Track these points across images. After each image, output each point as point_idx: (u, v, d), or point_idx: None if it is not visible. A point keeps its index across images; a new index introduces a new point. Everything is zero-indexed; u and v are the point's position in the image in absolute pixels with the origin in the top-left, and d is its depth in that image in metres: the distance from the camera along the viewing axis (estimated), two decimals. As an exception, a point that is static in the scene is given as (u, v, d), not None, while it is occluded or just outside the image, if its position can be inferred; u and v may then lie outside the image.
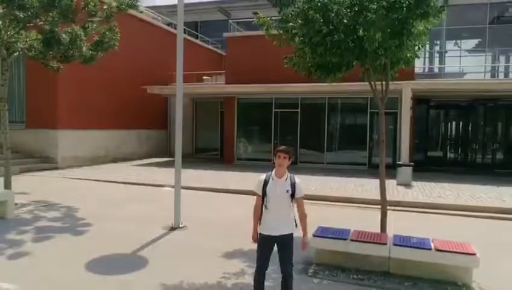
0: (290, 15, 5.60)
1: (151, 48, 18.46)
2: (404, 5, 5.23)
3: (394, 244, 4.80)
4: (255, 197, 3.99)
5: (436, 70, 25.96)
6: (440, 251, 4.62)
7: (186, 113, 20.50)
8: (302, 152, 16.52)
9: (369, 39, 5.15)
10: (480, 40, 25.71)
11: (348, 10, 5.19)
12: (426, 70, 26.82)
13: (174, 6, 29.11)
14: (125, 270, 4.90)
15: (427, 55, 27.61)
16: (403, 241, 4.85)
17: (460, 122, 18.34)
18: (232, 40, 17.33)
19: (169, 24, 23.12)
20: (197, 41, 24.74)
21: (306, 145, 16.59)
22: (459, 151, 17.89)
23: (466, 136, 17.74)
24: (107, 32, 8.41)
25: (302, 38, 5.58)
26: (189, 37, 22.38)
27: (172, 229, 6.76)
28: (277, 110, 16.72)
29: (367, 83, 6.16)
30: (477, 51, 25.99)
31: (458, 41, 27.15)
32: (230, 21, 24.46)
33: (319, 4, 5.10)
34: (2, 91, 7.98)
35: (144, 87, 16.54)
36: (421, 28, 5.61)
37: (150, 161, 17.13)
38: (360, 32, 5.24)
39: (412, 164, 11.67)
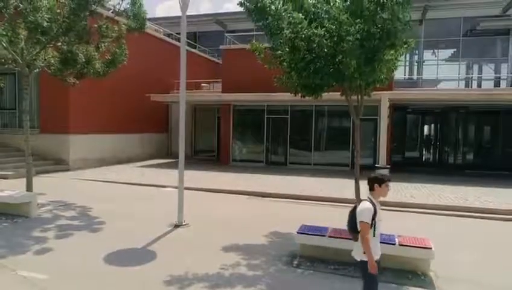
0: (278, 43, 6.14)
1: (154, 58, 18.89)
2: (376, 37, 5.80)
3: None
4: (363, 226, 3.62)
5: (414, 78, 26.55)
6: (403, 245, 5.21)
7: (186, 118, 20.88)
8: (292, 153, 17.11)
9: (346, 65, 5.72)
10: (455, 50, 26.48)
11: (328, 41, 5.73)
12: (406, 77, 27.53)
13: (173, 18, 29.54)
14: (138, 263, 5.42)
15: (407, 64, 28.37)
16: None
17: (435, 127, 19.03)
18: (227, 52, 17.85)
19: (169, 35, 23.57)
20: (196, 51, 25.17)
21: (295, 147, 17.18)
22: (434, 153, 18.58)
23: (440, 139, 18.44)
24: (117, 50, 8.89)
25: (289, 63, 6.14)
26: (188, 48, 22.81)
27: (176, 226, 7.28)
28: (269, 116, 17.29)
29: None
30: (453, 61, 26.72)
31: (436, 50, 27.93)
32: (226, 34, 24.90)
33: (303, 36, 5.64)
34: (24, 104, 8.42)
35: (147, 95, 16.99)
36: (391, 56, 6.19)
37: (152, 163, 17.59)
38: (339, 59, 5.80)
39: (389, 166, 12.29)
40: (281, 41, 6.09)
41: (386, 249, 5.21)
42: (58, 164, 14.18)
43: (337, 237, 5.46)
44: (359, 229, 3.63)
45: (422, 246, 5.15)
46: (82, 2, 7.05)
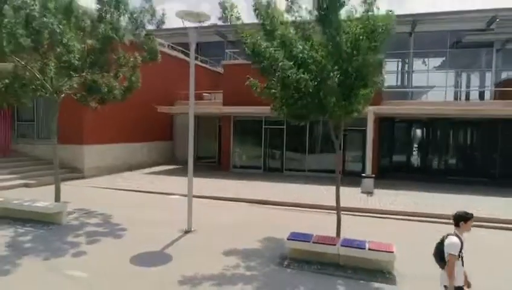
0: (272, 83, 7.34)
1: (160, 72, 20.01)
2: (352, 77, 6.99)
3: (341, 245, 6.56)
4: (451, 258, 4.23)
5: (404, 88, 27.81)
6: (372, 250, 6.40)
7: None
8: (288, 161, 18.33)
9: (328, 101, 6.91)
10: (444, 58, 27.80)
11: (313, 82, 6.90)
12: (398, 83, 28.82)
13: (175, 29, 30.60)
14: (158, 264, 6.60)
15: (398, 74, 29.61)
16: (347, 243, 6.62)
17: (421, 136, 20.25)
18: (228, 67, 19.05)
19: (172, 47, 24.74)
20: (198, 62, 26.28)
21: (290, 156, 18.40)
22: (419, 160, 19.80)
23: (425, 147, 19.67)
24: (133, 78, 10.06)
25: (280, 99, 7.34)
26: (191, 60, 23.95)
27: (186, 232, 8.46)
28: (266, 126, 18.50)
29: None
30: (441, 70, 28.05)
31: (425, 59, 29.25)
32: (226, 50, 26.07)
33: (292, 79, 6.81)
34: (53, 126, 9.60)
35: (154, 106, 18.17)
36: (365, 92, 7.37)
37: (159, 169, 18.78)
38: (322, 95, 6.98)
39: (373, 175, 13.47)
40: (274, 80, 7.29)
41: (358, 253, 6.44)
42: (74, 172, 15.35)
43: (320, 243, 6.66)
44: (447, 259, 4.26)
45: (386, 250, 6.34)
46: (106, 42, 8.22)
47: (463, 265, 4.34)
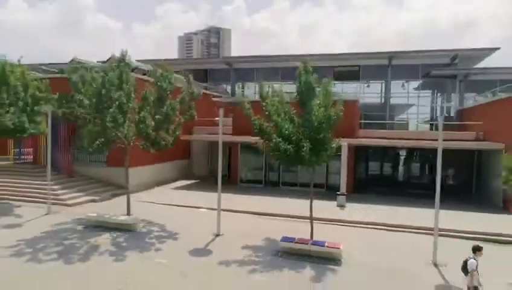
0: (270, 146, 12.09)
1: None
2: (317, 145, 11.77)
3: (311, 244, 11.34)
4: (473, 271, 8.06)
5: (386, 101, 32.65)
6: (328, 247, 11.18)
7: (204, 149, 27.05)
8: (283, 177, 23.13)
9: (304, 159, 11.68)
10: (420, 82, 32.82)
11: (294, 148, 11.64)
12: (382, 101, 33.64)
13: (191, 59, 35.47)
14: (204, 255, 11.34)
15: (382, 100, 34.38)
16: (315, 243, 11.40)
17: (391, 160, 25.05)
18: (237, 108, 23.80)
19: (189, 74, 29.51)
20: (209, 92, 31.10)
21: (285, 174, 23.19)
22: (386, 178, 24.60)
23: (394, 169, 24.49)
24: (177, 132, 14.76)
25: (274, 155, 12.11)
26: (205, 90, 28.79)
27: (217, 235, 13.20)
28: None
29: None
30: (416, 92, 33.07)
31: (405, 83, 34.23)
32: (236, 90, 30.93)
33: (281, 148, 11.55)
34: (127, 160, 14.33)
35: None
36: (326, 153, 12.11)
37: (181, 184, 23.58)
38: (300, 156, 11.74)
39: (346, 193, 18.24)
40: (271, 145, 12.04)
41: (320, 249, 11.24)
42: (121, 188, 20.11)
43: (299, 243, 11.45)
44: (470, 272, 8.00)
45: (336, 247, 11.14)
46: (168, 117, 13.07)
47: (478, 274, 8.10)
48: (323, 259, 11.15)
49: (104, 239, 12.54)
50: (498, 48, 27.70)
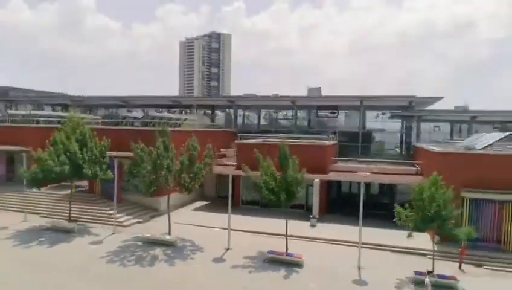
0: (264, 194, 19.64)
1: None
2: (290, 194, 19.36)
3: (285, 255, 18.94)
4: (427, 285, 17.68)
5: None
6: (295, 257, 18.77)
7: (213, 177, 34.78)
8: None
9: (282, 201, 19.28)
10: (388, 117, 40.43)
11: (275, 197, 19.18)
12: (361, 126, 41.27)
13: (197, 97, 43.51)
14: (221, 262, 18.88)
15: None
16: (288, 254, 19.00)
17: (356, 187, 32.56)
18: (240, 145, 31.39)
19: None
20: (215, 128, 38.72)
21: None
22: (355, 201, 32.12)
23: (359, 193, 32.11)
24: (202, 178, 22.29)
25: (264, 198, 19.67)
26: (212, 128, 36.46)
27: (227, 249, 20.72)
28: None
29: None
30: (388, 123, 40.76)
31: (379, 114, 41.95)
32: (238, 134, 38.65)
33: (267, 197, 19.12)
34: (168, 201, 21.91)
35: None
36: (296, 196, 19.65)
37: (198, 205, 31.17)
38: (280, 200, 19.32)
39: (317, 216, 25.81)
40: (262, 191, 19.59)
41: (291, 258, 18.90)
42: (155, 211, 27.62)
43: (277, 255, 19.07)
44: (425, 284, 16.11)
45: (300, 257, 18.75)
46: (198, 175, 20.62)
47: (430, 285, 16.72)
48: (292, 264, 18.69)
49: (158, 251, 20.10)
50: (442, 97, 35.23)
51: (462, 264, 19.15)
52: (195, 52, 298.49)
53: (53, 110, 52.37)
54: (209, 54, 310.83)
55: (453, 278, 16.88)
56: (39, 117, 40.47)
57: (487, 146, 24.18)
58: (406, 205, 17.69)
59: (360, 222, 19.02)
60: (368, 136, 40.36)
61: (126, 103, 46.45)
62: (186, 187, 21.34)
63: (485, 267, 19.29)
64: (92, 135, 24.50)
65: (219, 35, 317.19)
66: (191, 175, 21.08)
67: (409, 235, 17.54)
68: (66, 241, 21.32)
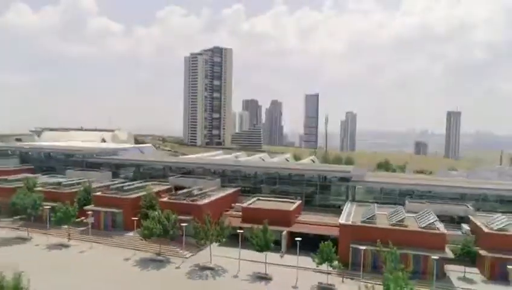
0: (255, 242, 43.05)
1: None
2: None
3: (264, 274, 42.49)
4: None
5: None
6: (266, 277, 42.32)
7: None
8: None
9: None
10: None
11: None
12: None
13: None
14: (237, 277, 42.33)
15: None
16: (265, 274, 42.59)
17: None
18: (246, 209, 54.95)
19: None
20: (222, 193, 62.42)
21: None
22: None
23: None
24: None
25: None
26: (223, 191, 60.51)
27: (238, 271, 44.10)
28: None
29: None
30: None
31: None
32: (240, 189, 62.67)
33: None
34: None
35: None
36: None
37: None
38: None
39: (284, 251, 49.24)
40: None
41: (265, 275, 42.64)
42: (200, 248, 51.05)
43: (260, 273, 42.71)
44: None
45: (269, 278, 42.34)
46: (223, 230, 43.88)
47: None
48: (266, 279, 41.97)
49: (207, 272, 43.51)
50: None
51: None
52: (198, 66, 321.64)
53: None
54: (212, 67, 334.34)
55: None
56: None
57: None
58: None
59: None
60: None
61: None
62: (217, 240, 44.88)
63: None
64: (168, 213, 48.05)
65: (221, 49, 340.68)
66: (220, 234, 44.63)
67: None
68: (163, 267, 44.78)
